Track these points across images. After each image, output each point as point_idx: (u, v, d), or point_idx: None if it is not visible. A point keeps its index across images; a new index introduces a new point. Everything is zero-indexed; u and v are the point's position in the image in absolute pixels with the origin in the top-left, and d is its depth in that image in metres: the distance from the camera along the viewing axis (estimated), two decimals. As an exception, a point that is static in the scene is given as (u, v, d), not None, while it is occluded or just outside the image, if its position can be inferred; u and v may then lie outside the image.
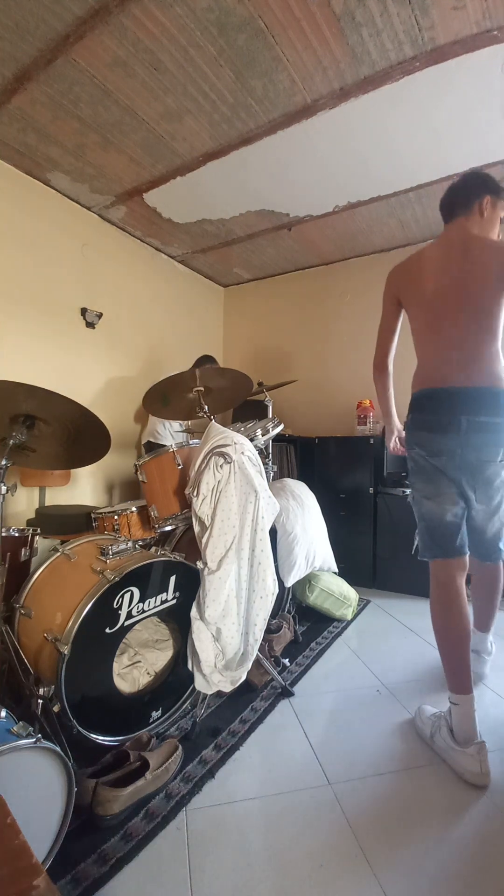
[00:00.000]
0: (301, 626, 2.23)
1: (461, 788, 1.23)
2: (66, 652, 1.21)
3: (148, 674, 1.53)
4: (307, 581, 2.31)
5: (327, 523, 2.46)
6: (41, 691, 1.17)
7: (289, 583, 2.08)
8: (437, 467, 1.46)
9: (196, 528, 1.52)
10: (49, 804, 0.95)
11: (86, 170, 2.45)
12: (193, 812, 1.15)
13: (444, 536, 1.46)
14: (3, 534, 1.49)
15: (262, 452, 2.04)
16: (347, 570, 2.57)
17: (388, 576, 2.83)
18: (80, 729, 1.25)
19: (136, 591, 1.39)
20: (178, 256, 3.58)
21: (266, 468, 2.06)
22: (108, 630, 1.33)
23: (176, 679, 1.53)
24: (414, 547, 1.57)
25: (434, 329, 1.48)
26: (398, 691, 1.72)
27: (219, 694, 1.56)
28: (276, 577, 1.55)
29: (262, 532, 1.51)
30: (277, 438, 2.38)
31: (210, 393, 1.91)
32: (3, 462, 1.39)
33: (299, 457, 3.26)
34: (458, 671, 1.39)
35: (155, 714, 1.47)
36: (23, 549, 1.67)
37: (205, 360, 3.13)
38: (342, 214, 2.89)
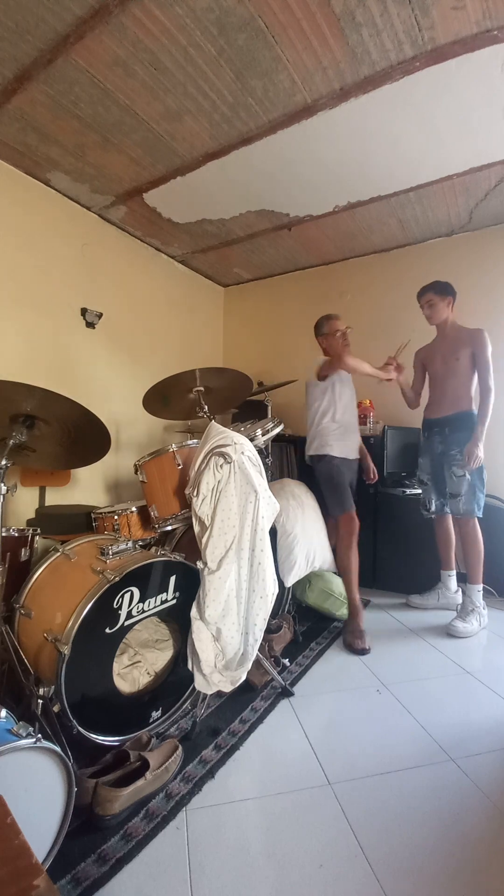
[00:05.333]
0: (301, 626, 2.23)
1: (461, 788, 1.23)
2: (66, 652, 1.21)
3: (148, 674, 1.53)
4: (307, 581, 2.31)
5: (327, 523, 2.46)
6: (41, 691, 1.17)
7: (289, 583, 2.08)
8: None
9: (196, 528, 1.53)
10: (49, 804, 0.95)
11: (86, 170, 2.45)
12: (193, 812, 1.15)
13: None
14: (3, 534, 1.49)
15: (262, 452, 2.04)
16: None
17: (388, 576, 2.83)
18: (80, 729, 1.25)
19: (136, 591, 1.39)
20: (178, 256, 3.58)
21: (266, 468, 2.06)
22: (108, 630, 1.33)
23: (176, 679, 1.53)
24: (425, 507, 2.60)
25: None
26: (398, 691, 1.72)
27: (219, 694, 1.56)
28: (276, 577, 1.55)
29: (261, 532, 1.51)
30: (277, 438, 2.38)
31: (210, 393, 1.91)
32: (3, 462, 1.39)
33: (299, 457, 3.26)
34: (446, 556, 2.60)
35: (155, 714, 1.47)
36: (23, 549, 1.68)
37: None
38: (342, 214, 2.88)
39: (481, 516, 2.34)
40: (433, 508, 2.55)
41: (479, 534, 2.34)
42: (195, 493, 1.52)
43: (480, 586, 2.32)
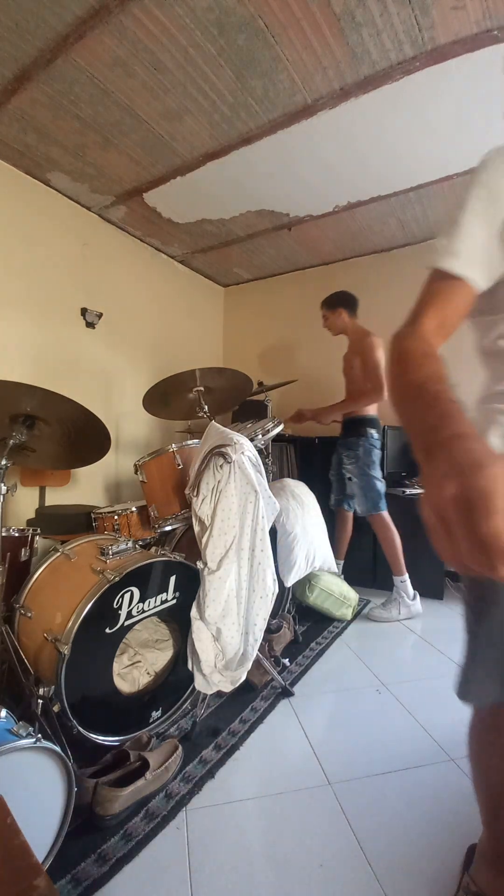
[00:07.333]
0: (301, 626, 2.23)
1: (461, 788, 1.23)
2: (66, 652, 1.21)
3: (148, 674, 1.53)
4: (307, 581, 2.31)
5: (327, 523, 2.46)
6: (41, 691, 1.17)
7: (289, 583, 2.08)
8: None
9: (196, 528, 1.52)
10: (49, 804, 0.95)
11: (86, 170, 2.45)
12: (193, 812, 1.15)
13: None
14: (3, 534, 1.49)
15: (262, 452, 2.05)
16: (347, 570, 2.57)
17: (388, 576, 2.83)
18: (80, 729, 1.25)
19: (136, 591, 1.39)
20: (178, 256, 3.58)
21: (266, 468, 2.06)
22: (108, 630, 1.33)
23: (176, 679, 1.53)
24: None
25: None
26: (398, 691, 1.72)
27: (219, 694, 1.56)
28: (276, 576, 1.55)
29: (262, 532, 1.51)
30: (277, 438, 2.38)
31: (210, 393, 1.91)
32: (3, 462, 1.39)
33: (299, 457, 3.26)
34: (339, 547, 2.65)
35: (155, 714, 1.47)
36: (23, 549, 1.67)
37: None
38: (342, 214, 2.88)
39: (384, 509, 2.47)
40: (331, 502, 2.72)
41: (387, 527, 2.45)
42: (195, 493, 1.52)
43: (403, 577, 2.41)
